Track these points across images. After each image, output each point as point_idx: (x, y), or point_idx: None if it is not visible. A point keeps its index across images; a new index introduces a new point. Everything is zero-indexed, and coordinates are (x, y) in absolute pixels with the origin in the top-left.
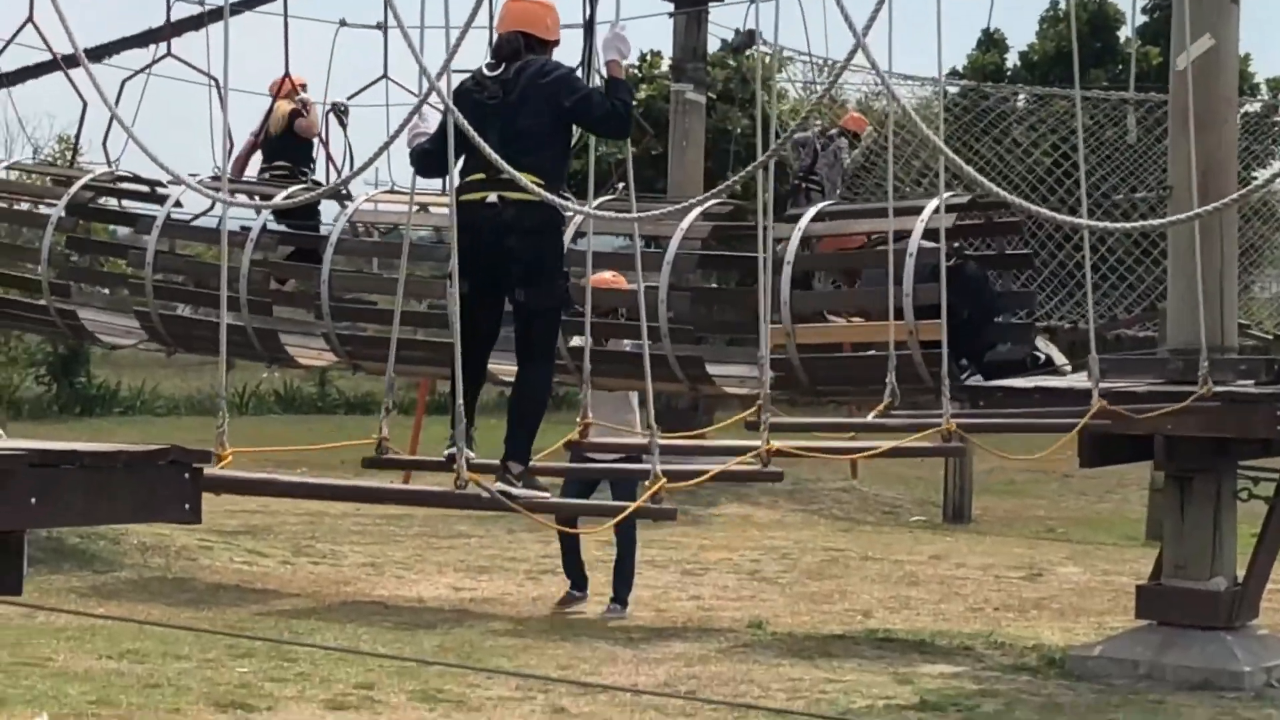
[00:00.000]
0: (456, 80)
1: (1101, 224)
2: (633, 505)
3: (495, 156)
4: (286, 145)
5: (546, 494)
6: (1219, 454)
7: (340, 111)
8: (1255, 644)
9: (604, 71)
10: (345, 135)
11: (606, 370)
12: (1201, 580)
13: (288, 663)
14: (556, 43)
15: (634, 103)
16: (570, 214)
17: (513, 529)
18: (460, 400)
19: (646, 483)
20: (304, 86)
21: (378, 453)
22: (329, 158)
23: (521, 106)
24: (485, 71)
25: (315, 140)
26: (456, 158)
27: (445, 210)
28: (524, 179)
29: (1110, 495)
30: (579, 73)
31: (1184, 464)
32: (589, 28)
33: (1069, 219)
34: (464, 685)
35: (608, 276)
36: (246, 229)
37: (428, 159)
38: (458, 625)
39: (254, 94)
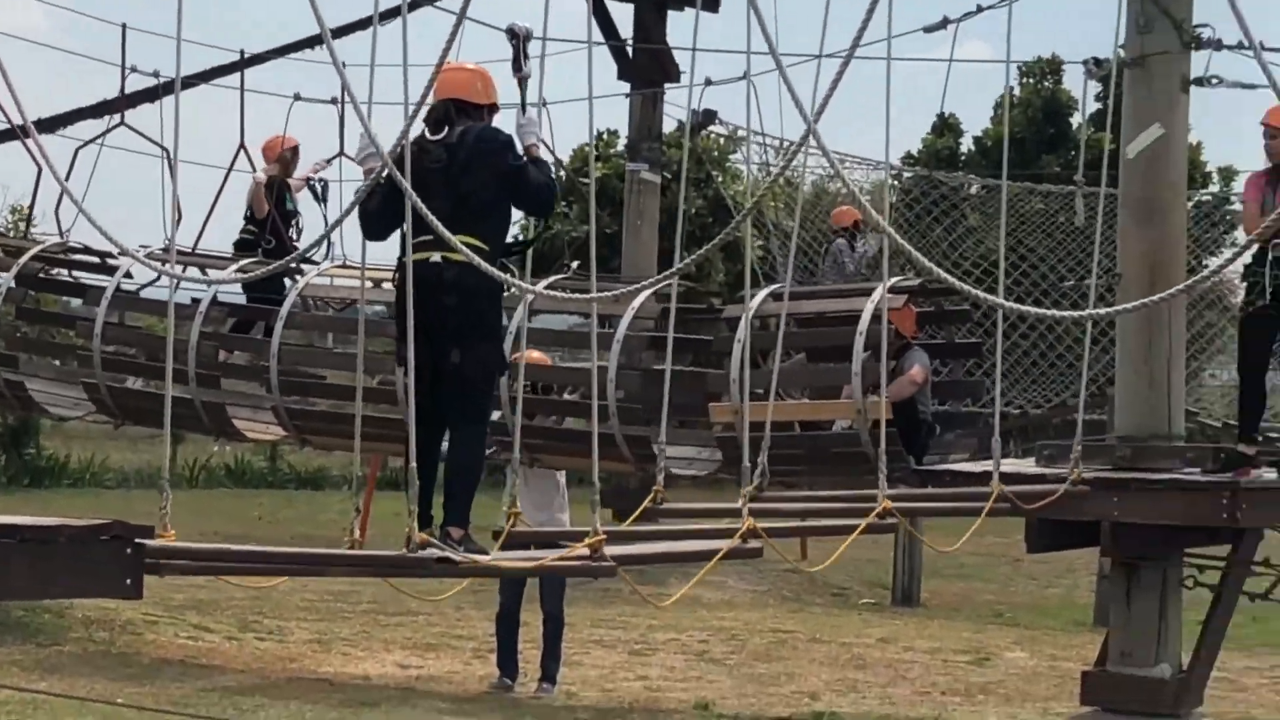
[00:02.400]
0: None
1: (1049, 311)
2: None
3: (440, 228)
4: (251, 215)
5: (488, 558)
6: (1165, 542)
7: (315, 185)
8: None
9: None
10: (323, 210)
11: (551, 448)
12: (1147, 667)
13: None
14: (492, 106)
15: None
16: (516, 289)
17: (461, 606)
18: (413, 464)
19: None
20: (295, 150)
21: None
22: (278, 232)
23: (466, 171)
24: (428, 136)
25: (285, 211)
26: (391, 225)
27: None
28: (469, 252)
29: (1060, 580)
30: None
31: (1130, 551)
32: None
33: (1014, 305)
34: None
35: (534, 355)
36: (197, 301)
37: (370, 220)
38: (403, 704)
39: (209, 166)
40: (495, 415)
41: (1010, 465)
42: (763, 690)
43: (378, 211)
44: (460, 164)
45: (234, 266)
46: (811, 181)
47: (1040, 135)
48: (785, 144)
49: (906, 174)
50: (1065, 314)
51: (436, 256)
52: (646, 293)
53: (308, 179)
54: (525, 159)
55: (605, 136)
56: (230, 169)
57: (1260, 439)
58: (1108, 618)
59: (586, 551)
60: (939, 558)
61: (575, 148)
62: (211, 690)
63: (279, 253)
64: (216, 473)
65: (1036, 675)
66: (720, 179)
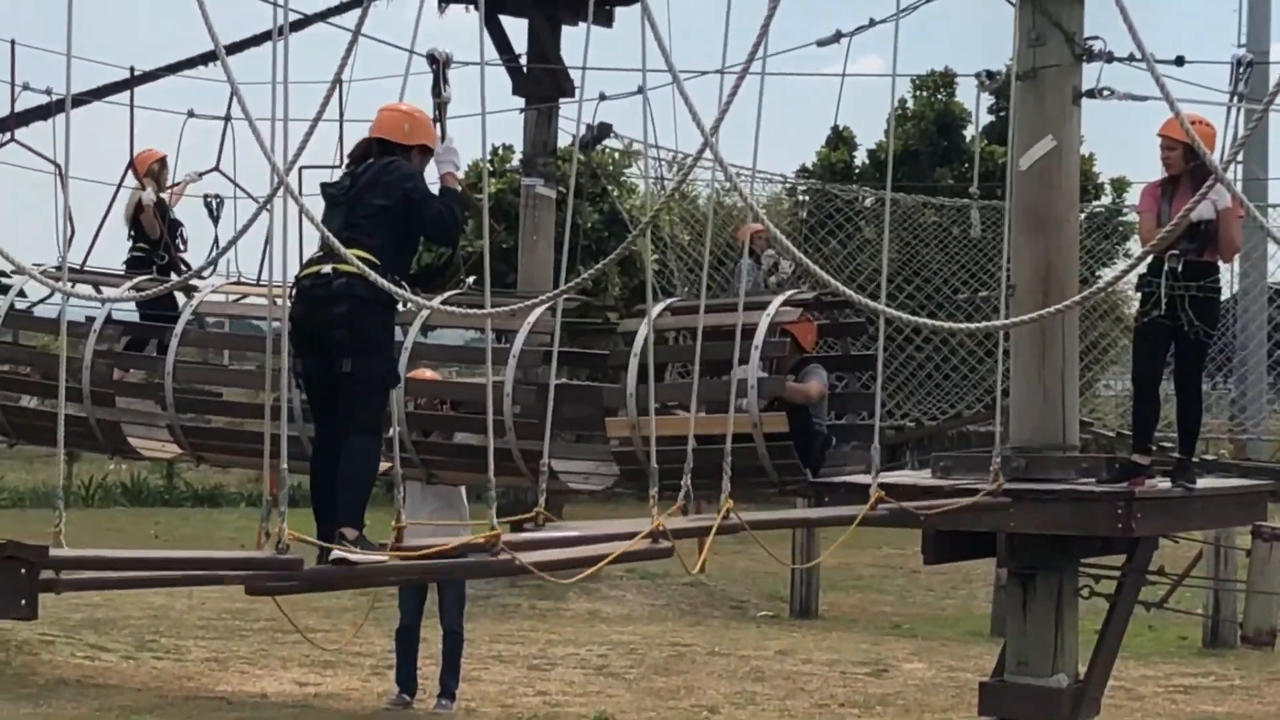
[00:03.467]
0: (307, 174)
1: (944, 324)
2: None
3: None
4: (139, 230)
5: (385, 556)
6: (1061, 552)
7: (210, 203)
8: None
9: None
10: (216, 229)
11: (447, 464)
12: (1043, 677)
13: None
14: (419, 147)
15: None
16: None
17: (359, 623)
18: (284, 465)
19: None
20: (163, 161)
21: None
22: (171, 250)
23: (363, 195)
24: (345, 170)
25: (169, 222)
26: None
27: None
28: (353, 256)
29: (956, 591)
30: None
31: (1026, 561)
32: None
33: (908, 317)
34: None
35: (426, 373)
36: (91, 319)
37: None
38: None
39: (103, 183)
40: (389, 432)
41: (907, 476)
42: (661, 704)
43: None
44: (359, 189)
45: (128, 284)
46: (706, 196)
47: (934, 148)
48: (681, 157)
49: (801, 187)
50: (962, 326)
51: (327, 267)
52: (542, 308)
53: (188, 181)
54: (427, 190)
55: (500, 152)
56: (119, 186)
57: (1154, 449)
58: (1004, 628)
59: (483, 545)
60: (837, 570)
61: (470, 163)
62: (108, 710)
63: (170, 269)
64: (113, 491)
65: (934, 686)
66: (616, 193)
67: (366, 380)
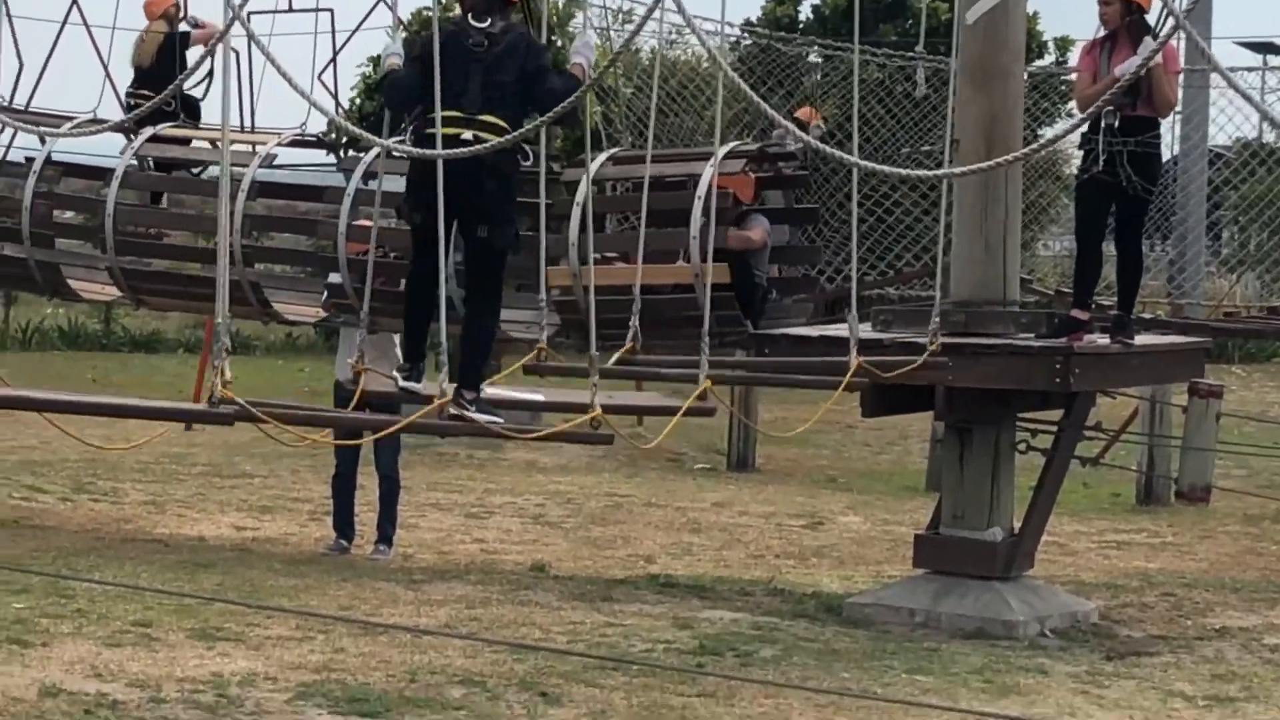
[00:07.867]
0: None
1: (899, 170)
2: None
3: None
4: (158, 76)
5: (500, 419)
6: (999, 406)
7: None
8: (1029, 594)
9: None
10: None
11: (389, 310)
12: (978, 530)
13: (65, 599)
14: (515, 2)
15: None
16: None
17: (297, 469)
18: (219, 320)
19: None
20: (178, 6)
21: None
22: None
23: (502, 62)
24: (472, 21)
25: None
26: (421, 96)
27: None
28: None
29: (892, 447)
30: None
31: (964, 415)
32: None
33: (851, 159)
34: (243, 624)
35: (367, 221)
36: (31, 159)
37: (397, 90)
38: (239, 564)
39: (48, 20)
40: (335, 278)
41: (845, 330)
42: (599, 553)
43: (406, 83)
44: (496, 55)
45: (69, 125)
46: (650, 48)
47: (878, 3)
48: (627, 7)
49: (746, 42)
50: (914, 172)
51: (468, 134)
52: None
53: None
54: (550, 65)
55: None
56: (64, 23)
57: (1093, 305)
58: (940, 483)
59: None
60: (774, 423)
61: (413, 11)
62: (45, 551)
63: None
64: (50, 335)
65: (869, 539)
66: (560, 44)
67: (501, 247)
